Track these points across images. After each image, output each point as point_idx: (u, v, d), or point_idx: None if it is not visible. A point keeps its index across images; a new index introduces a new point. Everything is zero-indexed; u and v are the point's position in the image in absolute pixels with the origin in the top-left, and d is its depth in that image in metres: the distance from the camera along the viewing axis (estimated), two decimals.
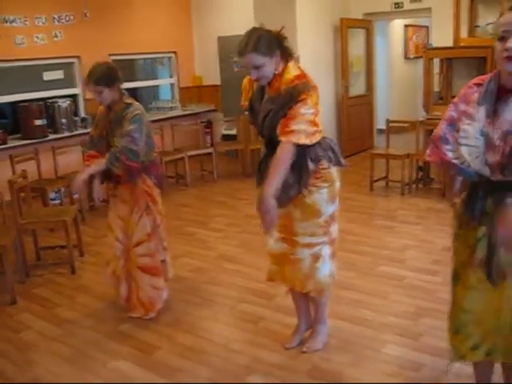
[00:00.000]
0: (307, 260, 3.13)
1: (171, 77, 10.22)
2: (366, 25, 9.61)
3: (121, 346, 3.61)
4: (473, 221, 2.36)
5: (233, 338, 3.64)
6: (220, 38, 9.61)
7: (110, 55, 8.74)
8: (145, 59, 10.26)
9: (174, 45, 9.93)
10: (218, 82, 9.90)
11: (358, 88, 9.76)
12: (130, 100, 3.81)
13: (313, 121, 2.89)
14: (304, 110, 2.87)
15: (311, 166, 2.99)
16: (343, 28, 8.99)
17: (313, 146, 2.96)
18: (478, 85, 2.34)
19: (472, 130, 2.27)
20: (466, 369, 2.88)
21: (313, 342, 3.43)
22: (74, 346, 3.65)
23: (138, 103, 3.85)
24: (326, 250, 3.17)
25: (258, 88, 3.07)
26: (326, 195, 3.07)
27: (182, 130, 8.56)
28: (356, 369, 3.21)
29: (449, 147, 2.34)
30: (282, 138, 2.87)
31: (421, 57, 8.65)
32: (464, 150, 2.29)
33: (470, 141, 2.27)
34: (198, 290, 4.40)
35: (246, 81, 3.20)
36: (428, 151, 2.47)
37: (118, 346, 3.60)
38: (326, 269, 3.19)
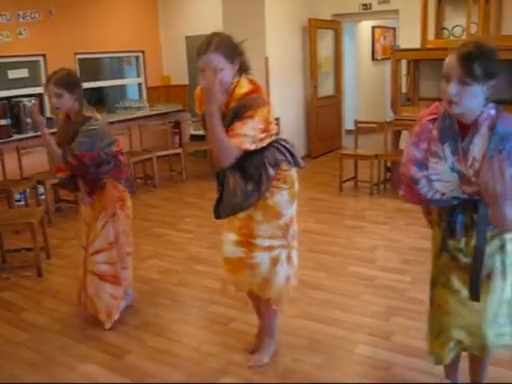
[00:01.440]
0: (266, 264, 3.05)
1: (139, 76, 10.13)
2: (334, 26, 9.66)
3: (90, 349, 3.54)
4: (455, 236, 2.40)
5: (204, 340, 3.61)
6: (188, 38, 9.56)
7: (75, 54, 8.65)
8: (112, 58, 10.13)
9: (142, 44, 9.85)
10: (186, 82, 9.85)
11: (326, 89, 9.80)
12: (89, 112, 3.65)
13: (261, 128, 2.82)
14: (252, 125, 2.78)
15: (271, 171, 2.93)
16: (312, 29, 9.01)
17: (270, 151, 2.93)
18: (432, 121, 2.32)
19: (442, 167, 2.27)
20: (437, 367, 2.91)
21: (259, 355, 3.33)
22: (41, 351, 3.56)
23: (98, 115, 3.70)
24: (284, 254, 3.10)
25: None
26: (286, 197, 3.02)
27: (149, 130, 8.49)
28: (328, 370, 3.21)
29: (422, 186, 2.33)
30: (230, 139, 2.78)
31: (388, 58, 8.73)
32: (438, 186, 2.31)
33: (442, 176, 2.29)
34: (168, 292, 4.35)
35: (198, 89, 3.06)
36: (402, 191, 2.47)
37: (87, 350, 3.53)
38: (284, 274, 3.12)
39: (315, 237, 5.39)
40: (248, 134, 2.75)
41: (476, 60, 2.08)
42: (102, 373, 3.28)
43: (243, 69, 2.92)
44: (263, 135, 2.84)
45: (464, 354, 2.77)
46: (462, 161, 2.23)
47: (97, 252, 3.78)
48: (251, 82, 2.93)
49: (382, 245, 5.19)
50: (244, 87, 2.85)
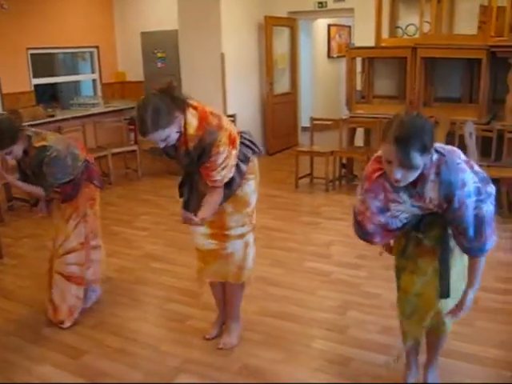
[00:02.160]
0: (240, 251, 3.24)
1: (93, 72, 9.99)
2: (290, 23, 9.70)
3: (46, 351, 3.48)
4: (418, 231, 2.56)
5: (161, 339, 3.59)
6: (143, 34, 9.45)
7: (28, 49, 8.48)
8: (65, 54, 9.95)
9: (96, 39, 9.72)
10: (142, 78, 9.74)
11: (282, 86, 9.84)
12: (39, 141, 3.51)
13: (229, 150, 2.95)
14: (218, 160, 2.91)
15: (243, 167, 3.10)
16: (268, 26, 9.03)
17: (239, 149, 3.05)
18: (382, 175, 2.38)
19: (403, 207, 2.40)
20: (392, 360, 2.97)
21: (229, 338, 3.46)
22: None
23: (50, 139, 3.57)
24: (251, 238, 3.30)
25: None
26: (252, 186, 3.22)
27: (104, 127, 8.36)
28: (286, 365, 3.24)
29: (392, 224, 2.46)
30: (210, 185, 2.99)
31: (344, 56, 8.82)
32: (403, 216, 2.45)
33: (405, 210, 2.43)
34: (125, 291, 4.31)
35: None
36: (378, 239, 2.59)
37: (44, 352, 3.47)
38: (253, 254, 3.33)
39: (272, 233, 5.42)
40: (224, 174, 2.95)
41: (412, 148, 2.12)
42: (58, 374, 3.23)
43: (182, 105, 2.85)
44: (234, 151, 2.99)
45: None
46: (420, 200, 2.36)
47: (68, 252, 3.74)
48: (195, 113, 2.90)
49: (337, 240, 5.25)
50: (192, 126, 2.88)
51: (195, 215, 2.96)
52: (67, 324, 3.75)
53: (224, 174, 2.97)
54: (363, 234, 2.58)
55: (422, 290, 2.61)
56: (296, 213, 6.22)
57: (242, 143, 3.09)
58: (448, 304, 2.59)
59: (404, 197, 2.36)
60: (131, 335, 3.64)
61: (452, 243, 2.49)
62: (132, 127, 9.42)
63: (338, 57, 12.00)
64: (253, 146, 3.17)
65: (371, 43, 7.78)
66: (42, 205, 3.81)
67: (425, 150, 2.15)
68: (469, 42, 6.69)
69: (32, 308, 4.04)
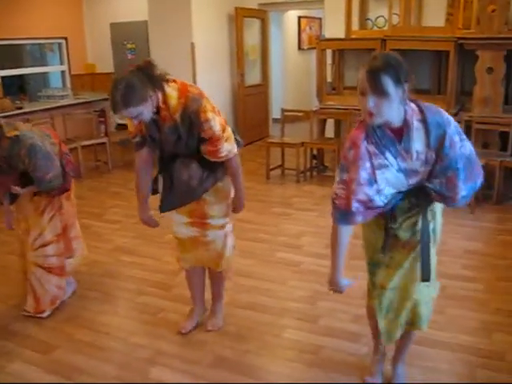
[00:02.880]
0: (220, 240, 3.30)
1: (62, 64, 9.84)
2: (260, 15, 9.69)
3: (17, 347, 3.43)
4: (395, 221, 2.53)
5: (133, 332, 3.59)
6: (113, 25, 9.35)
7: None
8: (33, 45, 9.79)
9: (64, 30, 9.57)
10: (112, 70, 9.64)
11: (253, 77, 9.83)
12: (12, 131, 3.42)
13: (223, 127, 3.02)
14: (213, 126, 2.94)
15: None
16: (238, 17, 9.01)
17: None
18: (366, 139, 2.33)
19: (389, 173, 2.33)
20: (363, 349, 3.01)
21: (216, 320, 3.55)
22: None
23: (23, 128, 3.51)
24: (230, 226, 3.37)
25: (149, 123, 2.96)
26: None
27: (74, 119, 8.26)
28: (258, 355, 3.26)
29: (376, 201, 2.37)
30: (221, 159, 3.07)
31: (314, 48, 8.82)
32: (387, 191, 2.37)
33: (389, 181, 2.35)
34: (95, 284, 4.29)
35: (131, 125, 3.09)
36: (361, 218, 2.43)
37: (14, 348, 3.42)
38: (231, 243, 3.40)
39: (243, 225, 5.42)
40: (227, 148, 3.04)
41: (384, 74, 2.15)
42: (32, 371, 3.19)
43: (162, 82, 2.86)
44: (221, 119, 3.03)
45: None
46: (407, 158, 2.32)
47: (44, 245, 3.71)
48: (173, 86, 2.91)
49: (308, 231, 5.29)
50: (173, 96, 2.88)
51: (177, 206, 3.13)
52: (47, 313, 3.75)
53: (230, 149, 3.05)
54: (345, 216, 2.42)
55: (399, 283, 2.61)
56: (267, 204, 6.24)
57: None
58: (423, 294, 2.61)
59: (390, 158, 2.31)
60: (103, 329, 3.63)
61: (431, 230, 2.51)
62: (102, 119, 9.34)
63: (308, 49, 12.03)
64: (236, 136, 3.20)
65: (341, 35, 7.81)
66: (6, 196, 3.72)
67: (397, 79, 2.17)
68: (437, 33, 6.76)
69: (0, 303, 3.99)
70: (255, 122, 9.81)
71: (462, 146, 2.33)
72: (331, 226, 2.53)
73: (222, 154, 3.03)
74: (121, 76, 2.77)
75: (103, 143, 8.04)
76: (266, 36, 9.96)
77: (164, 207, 3.20)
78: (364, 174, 2.31)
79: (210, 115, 2.92)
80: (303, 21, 12.01)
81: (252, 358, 3.24)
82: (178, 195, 3.12)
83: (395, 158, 2.32)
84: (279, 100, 10.78)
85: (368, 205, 2.37)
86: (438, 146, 2.28)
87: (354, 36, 7.72)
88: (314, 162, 7.50)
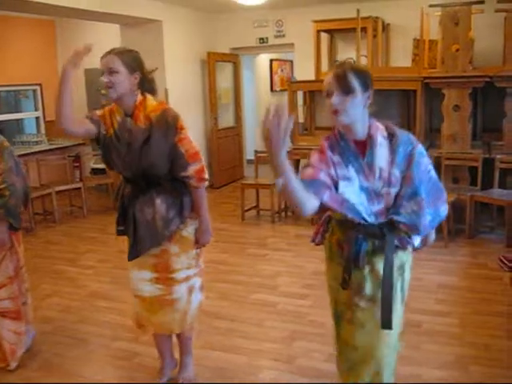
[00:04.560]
0: (184, 297, 3.11)
1: (36, 110, 9.88)
2: (232, 59, 9.87)
3: None
4: (358, 265, 2.37)
5: (108, 377, 3.54)
6: (87, 71, 9.43)
7: None
8: (8, 91, 9.82)
9: (39, 77, 9.63)
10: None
11: (227, 120, 9.95)
12: None
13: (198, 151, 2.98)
14: (189, 138, 2.93)
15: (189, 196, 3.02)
16: (210, 61, 9.17)
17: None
18: (330, 146, 2.33)
19: (352, 189, 2.26)
20: None
21: (187, 373, 3.41)
22: None
23: None
24: (198, 282, 3.18)
25: (121, 119, 2.95)
26: (197, 225, 3.09)
27: (48, 164, 8.25)
28: None
29: (340, 190, 2.27)
30: (194, 185, 2.95)
31: (286, 89, 8.99)
32: (351, 204, 2.27)
33: (351, 198, 2.26)
34: (69, 331, 4.22)
35: (106, 110, 3.06)
36: (326, 197, 2.21)
37: None
38: (197, 301, 3.21)
39: (218, 267, 5.43)
40: (197, 153, 2.95)
41: (349, 74, 2.25)
42: None
43: (147, 89, 2.98)
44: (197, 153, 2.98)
45: None
46: (369, 175, 2.28)
47: None
48: (156, 98, 3.04)
49: (284, 271, 5.30)
50: (152, 104, 2.96)
51: (143, 251, 2.98)
52: (13, 365, 3.62)
53: (200, 168, 2.92)
54: (312, 184, 2.18)
55: (361, 343, 2.45)
56: (242, 245, 6.25)
57: None
58: (387, 360, 2.48)
59: (352, 172, 2.27)
60: (77, 376, 3.56)
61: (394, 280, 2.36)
62: (77, 164, 9.34)
63: (280, 90, 12.23)
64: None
65: (312, 77, 8.00)
66: None
67: (363, 81, 2.25)
68: (404, 73, 6.96)
69: None
70: (229, 164, 9.89)
71: (431, 170, 2.35)
72: None
73: (204, 174, 2.94)
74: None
75: (78, 188, 8.01)
76: (239, 79, 10.13)
77: (131, 254, 3.04)
78: (323, 176, 2.23)
79: (186, 130, 2.93)
80: (275, 63, 12.25)
81: None
82: (141, 239, 2.96)
83: (357, 173, 2.28)
84: (252, 141, 10.89)
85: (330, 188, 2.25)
86: (407, 163, 2.27)
87: (323, 78, 7.88)
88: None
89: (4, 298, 3.64)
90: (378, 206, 2.30)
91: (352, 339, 2.47)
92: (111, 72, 2.85)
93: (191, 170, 2.90)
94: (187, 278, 3.10)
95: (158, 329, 3.22)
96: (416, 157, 2.28)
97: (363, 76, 2.27)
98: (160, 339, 3.37)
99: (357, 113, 2.27)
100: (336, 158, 2.29)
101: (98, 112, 3.03)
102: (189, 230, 3.05)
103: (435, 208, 2.32)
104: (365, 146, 2.31)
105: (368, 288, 2.40)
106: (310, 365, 3.55)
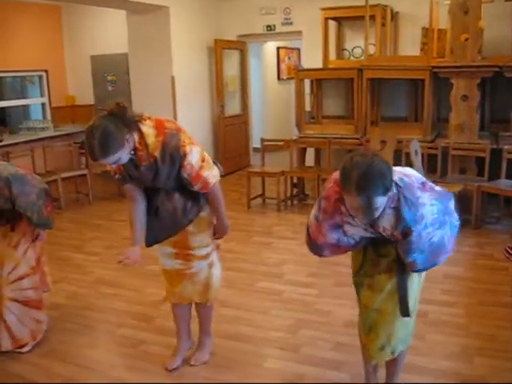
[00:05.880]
0: (204, 270, 3.25)
1: (42, 96, 9.87)
2: (239, 46, 9.82)
3: None
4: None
5: (113, 365, 3.55)
6: (93, 57, 9.44)
7: None
8: (14, 77, 9.82)
9: (45, 63, 9.62)
10: (92, 102, 9.69)
11: (233, 108, 9.92)
12: None
13: (202, 157, 3.04)
14: (192, 160, 2.95)
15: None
16: (217, 49, 9.13)
17: None
18: (339, 200, 2.40)
19: (357, 229, 2.47)
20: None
21: (200, 355, 3.48)
22: None
23: None
24: (215, 255, 3.34)
25: (126, 165, 2.94)
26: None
27: (54, 151, 8.25)
28: None
29: (343, 242, 2.54)
30: (204, 191, 3.09)
31: (293, 78, 8.96)
32: (356, 236, 2.54)
33: (358, 233, 2.50)
34: (75, 317, 4.24)
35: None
36: (328, 252, 2.68)
37: None
38: (218, 272, 3.37)
39: (224, 254, 5.37)
40: (208, 174, 3.03)
41: (375, 196, 2.18)
42: None
43: (134, 123, 2.84)
44: (199, 148, 3.04)
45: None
46: (373, 228, 2.43)
47: (20, 278, 3.66)
48: (149, 123, 2.91)
49: (289, 259, 5.30)
50: (151, 135, 2.88)
51: (162, 239, 3.10)
52: (27, 348, 3.68)
53: (214, 174, 3.09)
54: (313, 246, 2.65)
55: (380, 306, 2.66)
56: (248, 233, 6.25)
57: None
58: (403, 322, 2.67)
59: (357, 221, 2.41)
60: (82, 362, 3.58)
61: None
62: (83, 151, 9.32)
63: (287, 79, 12.19)
64: (217, 164, 3.23)
65: (319, 65, 7.95)
66: None
67: (386, 191, 2.21)
68: (412, 62, 6.91)
69: None
70: (236, 152, 9.87)
71: (433, 237, 2.41)
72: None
73: (209, 181, 3.04)
74: (95, 123, 2.70)
75: (84, 175, 8.02)
76: (246, 67, 10.09)
77: (149, 240, 3.16)
78: (331, 222, 2.47)
79: (188, 149, 2.93)
80: (282, 51, 12.18)
81: None
82: (163, 227, 3.11)
83: (364, 225, 2.43)
84: (259, 130, 10.88)
85: (336, 244, 2.53)
86: (403, 235, 2.39)
87: (331, 66, 7.85)
88: (295, 190, 7.54)
89: (27, 287, 3.70)
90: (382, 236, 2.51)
91: (372, 303, 2.68)
92: (114, 163, 2.85)
93: (196, 187, 3.05)
94: (206, 256, 3.24)
95: (178, 298, 3.33)
96: (414, 235, 2.36)
97: (386, 186, 2.21)
98: (179, 311, 3.42)
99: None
100: (343, 209, 2.41)
101: (109, 167, 3.03)
102: (206, 212, 3.19)
103: (432, 263, 2.55)
104: None
105: (384, 260, 2.63)
106: (316, 353, 3.54)
